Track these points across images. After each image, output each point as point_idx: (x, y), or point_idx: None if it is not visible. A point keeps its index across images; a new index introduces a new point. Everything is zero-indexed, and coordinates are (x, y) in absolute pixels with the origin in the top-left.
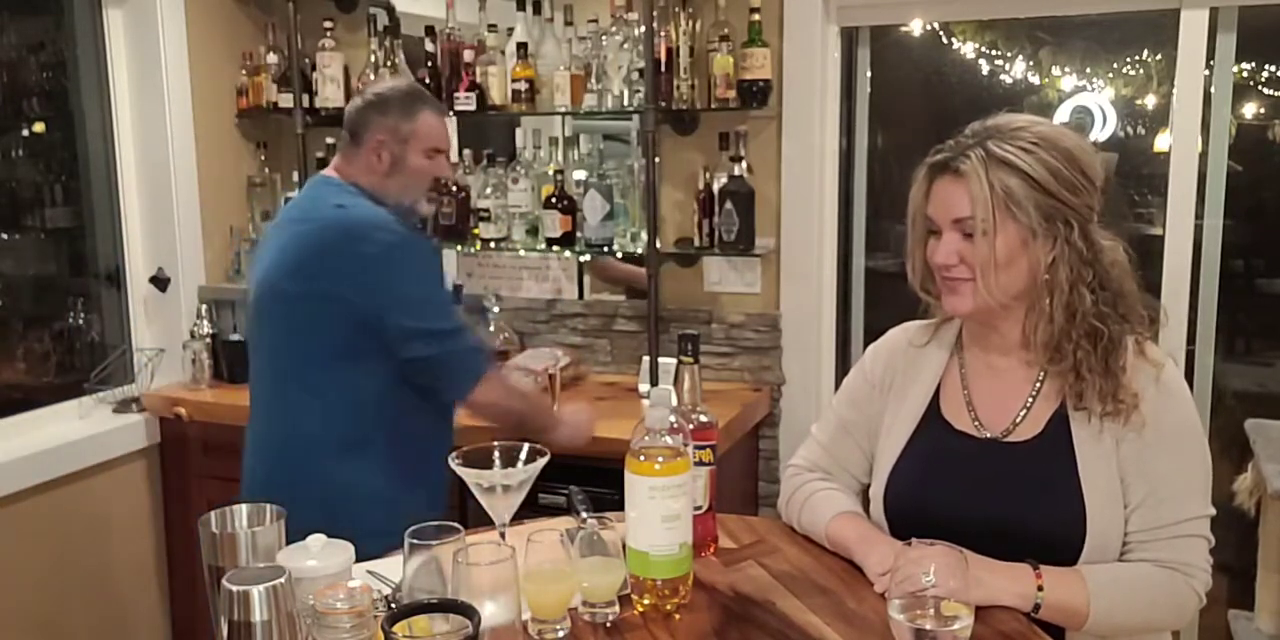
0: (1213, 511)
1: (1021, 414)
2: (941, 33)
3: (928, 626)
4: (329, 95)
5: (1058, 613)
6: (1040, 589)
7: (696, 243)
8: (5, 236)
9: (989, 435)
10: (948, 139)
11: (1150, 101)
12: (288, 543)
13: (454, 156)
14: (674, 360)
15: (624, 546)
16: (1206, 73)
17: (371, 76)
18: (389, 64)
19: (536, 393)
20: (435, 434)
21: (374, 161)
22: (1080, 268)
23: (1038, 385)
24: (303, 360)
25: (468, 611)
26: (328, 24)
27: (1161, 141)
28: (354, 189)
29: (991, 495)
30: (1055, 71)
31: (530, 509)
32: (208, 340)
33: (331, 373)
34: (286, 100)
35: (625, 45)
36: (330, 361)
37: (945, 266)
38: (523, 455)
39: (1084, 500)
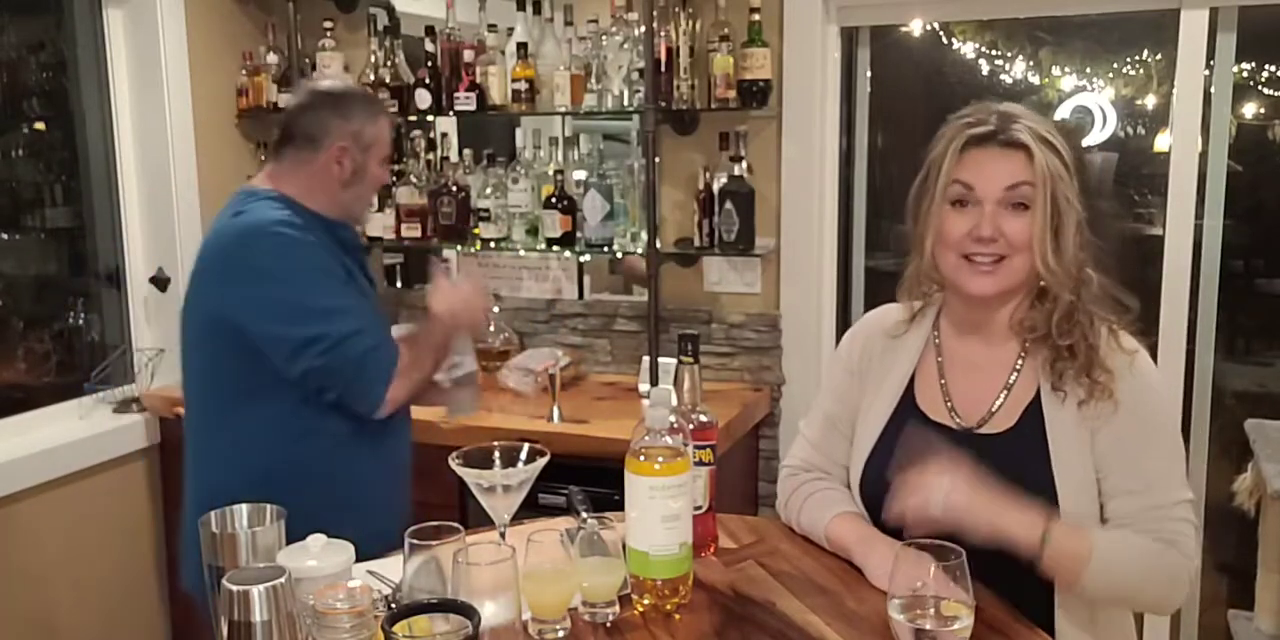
0: (1192, 496)
1: (997, 404)
2: (941, 33)
3: (928, 626)
4: None
5: (1060, 557)
6: (1047, 532)
7: (696, 243)
8: (5, 236)
9: (963, 426)
10: (975, 115)
11: (1150, 101)
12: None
13: (454, 156)
14: (674, 360)
15: (624, 546)
16: (1206, 73)
17: (371, 76)
18: (389, 64)
19: (417, 339)
20: (372, 460)
21: (335, 170)
22: (1088, 251)
23: (1014, 375)
24: (204, 396)
25: (468, 611)
26: (328, 24)
27: (1161, 141)
28: (275, 196)
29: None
30: (1055, 71)
31: (530, 509)
32: None
33: (233, 407)
34: (286, 100)
35: (625, 45)
36: (231, 396)
37: (988, 240)
38: (523, 455)
39: (1056, 491)
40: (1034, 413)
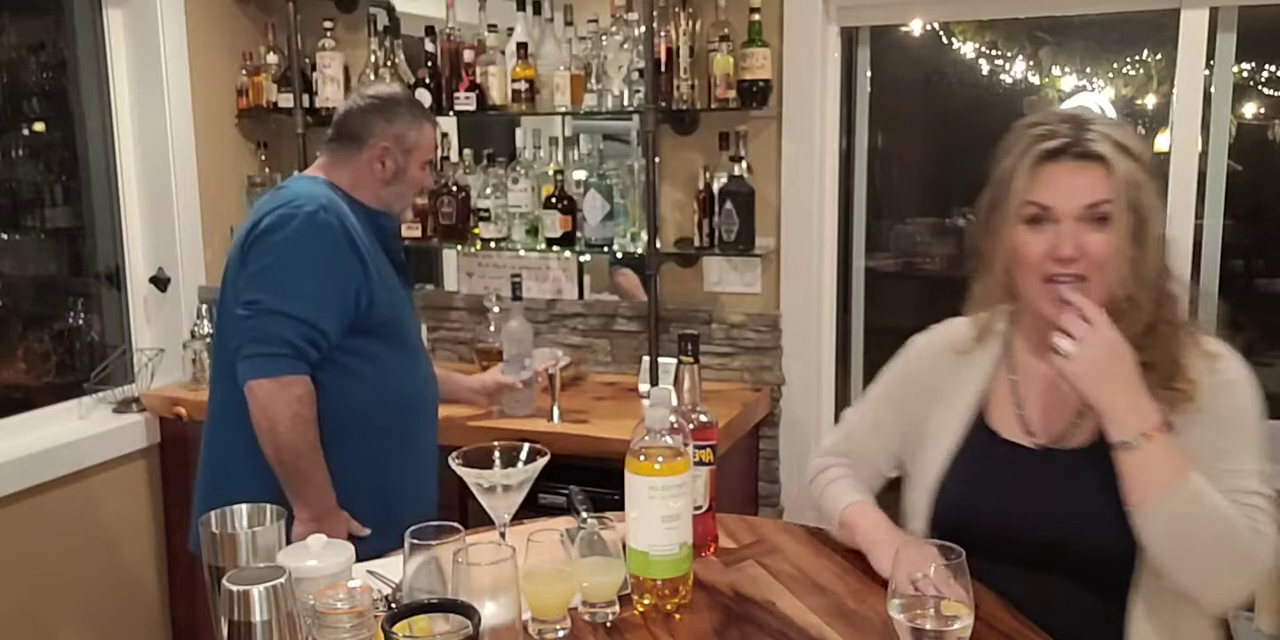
0: (1271, 492)
1: (1076, 421)
2: (941, 33)
3: (928, 626)
4: (329, 95)
5: (1150, 463)
6: (1148, 436)
7: (696, 243)
8: (5, 236)
9: (1040, 444)
10: (1044, 124)
11: (1150, 101)
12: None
13: (453, 156)
14: (674, 360)
15: (624, 546)
16: (1206, 73)
17: (371, 76)
18: (389, 64)
19: (310, 468)
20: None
21: (376, 169)
22: (1168, 261)
23: None
24: (221, 383)
25: (468, 611)
26: (328, 24)
27: (1161, 141)
28: (323, 181)
29: (1044, 506)
30: (1055, 71)
31: (530, 509)
32: (208, 340)
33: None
34: (286, 100)
35: (625, 45)
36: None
37: (1069, 260)
38: (523, 455)
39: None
40: None
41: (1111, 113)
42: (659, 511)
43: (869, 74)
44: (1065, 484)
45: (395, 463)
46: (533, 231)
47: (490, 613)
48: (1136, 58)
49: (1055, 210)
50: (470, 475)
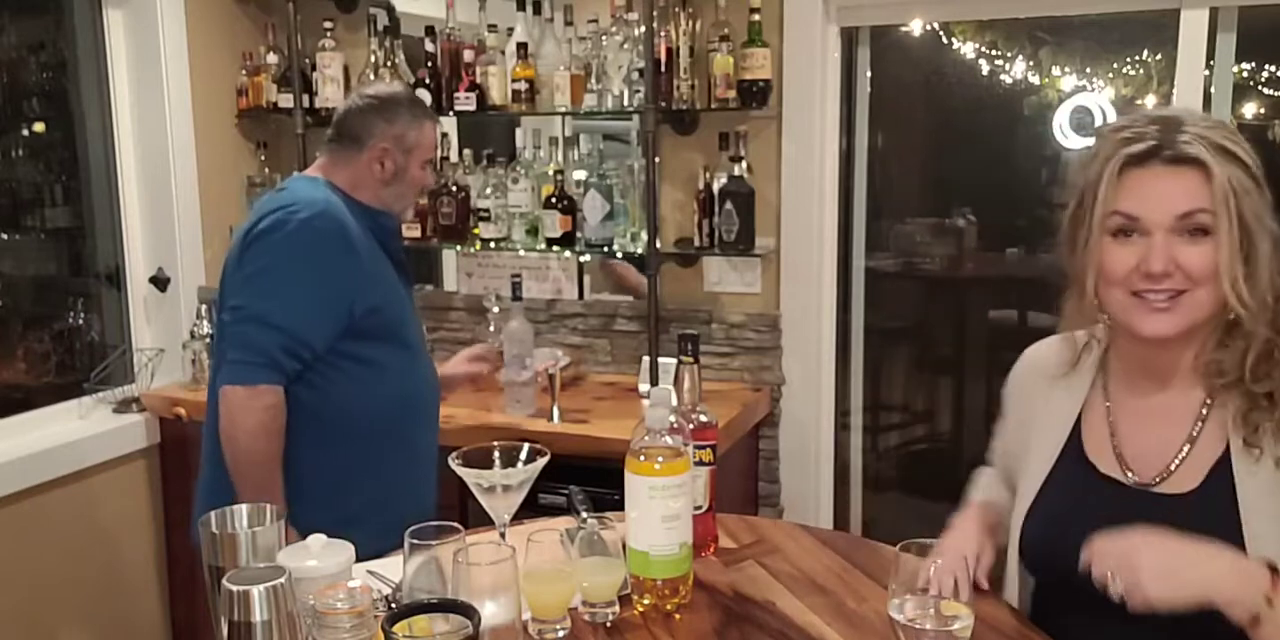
0: None
1: (1178, 460)
2: (941, 33)
3: (928, 626)
4: (329, 95)
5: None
6: (1270, 600)
7: (696, 243)
8: (5, 236)
9: (1138, 482)
10: (1131, 127)
11: (1150, 101)
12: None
13: (453, 156)
14: (674, 360)
15: (624, 546)
16: (1206, 73)
17: (371, 76)
18: (389, 64)
19: (264, 480)
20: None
21: (376, 169)
22: None
23: (1199, 426)
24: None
25: (468, 611)
26: (328, 24)
27: None
28: (322, 182)
29: None
30: (1055, 71)
31: (530, 509)
32: (208, 340)
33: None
34: (286, 100)
35: (625, 45)
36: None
37: (1161, 276)
38: (523, 455)
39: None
40: (1223, 472)
41: (1111, 113)
42: (659, 511)
43: (869, 74)
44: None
45: (394, 464)
46: (533, 231)
47: (490, 613)
48: (1136, 58)
49: (1144, 221)
50: (470, 475)
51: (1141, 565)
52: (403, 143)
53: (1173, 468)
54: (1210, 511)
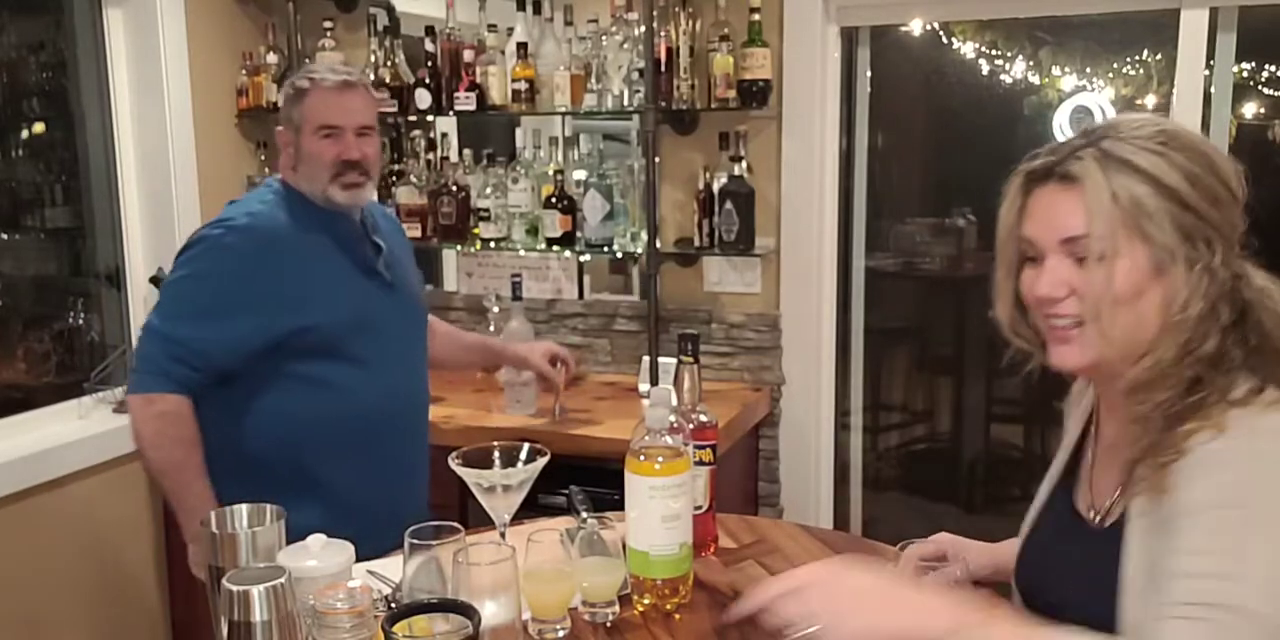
0: (1253, 606)
1: (1117, 493)
2: (941, 33)
3: None
4: None
5: None
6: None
7: (696, 243)
8: (5, 236)
9: (1095, 520)
10: (1059, 141)
11: (1150, 101)
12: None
13: (453, 156)
14: (674, 360)
15: (624, 546)
16: (1206, 73)
17: (371, 76)
18: (389, 64)
19: (176, 488)
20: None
21: (288, 156)
22: (1218, 302)
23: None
24: None
25: (468, 611)
26: (328, 24)
27: None
28: (275, 188)
29: (1078, 586)
30: (1055, 71)
31: (530, 509)
32: None
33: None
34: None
35: (625, 45)
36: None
37: (1050, 300)
38: (523, 455)
39: (1120, 599)
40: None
41: (1111, 113)
42: (659, 511)
43: (869, 74)
44: (1090, 565)
45: (346, 483)
46: (533, 231)
47: (490, 613)
48: (1136, 58)
49: (1038, 244)
50: (470, 475)
51: (816, 608)
52: (291, 120)
53: (1110, 503)
54: (1114, 547)
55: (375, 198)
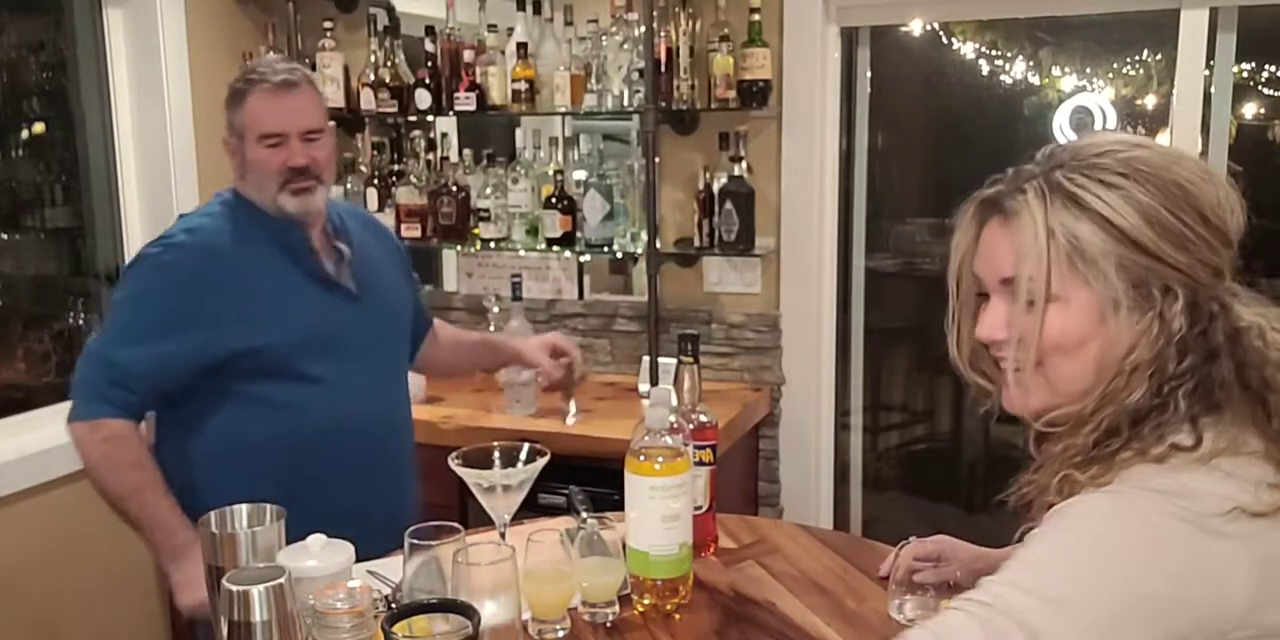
0: (1018, 604)
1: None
2: (941, 33)
3: None
4: (329, 95)
5: None
6: None
7: (696, 243)
8: (5, 236)
9: None
10: (1006, 165)
11: (1150, 101)
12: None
13: (453, 156)
14: (674, 360)
15: (624, 546)
16: (1206, 73)
17: (371, 76)
18: (389, 64)
19: (133, 511)
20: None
21: (237, 166)
22: (1165, 352)
23: None
24: None
25: (468, 611)
26: (328, 24)
27: (1161, 142)
28: (227, 199)
29: None
30: (1055, 71)
31: (530, 509)
32: None
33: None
34: None
35: (625, 45)
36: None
37: (990, 343)
38: (523, 455)
39: None
40: None
41: (1111, 113)
42: (659, 511)
43: (869, 74)
44: None
45: (326, 502)
46: (533, 231)
47: (490, 613)
48: (1136, 58)
49: (984, 282)
50: (470, 475)
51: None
52: (234, 128)
53: None
54: None
55: (371, 203)
